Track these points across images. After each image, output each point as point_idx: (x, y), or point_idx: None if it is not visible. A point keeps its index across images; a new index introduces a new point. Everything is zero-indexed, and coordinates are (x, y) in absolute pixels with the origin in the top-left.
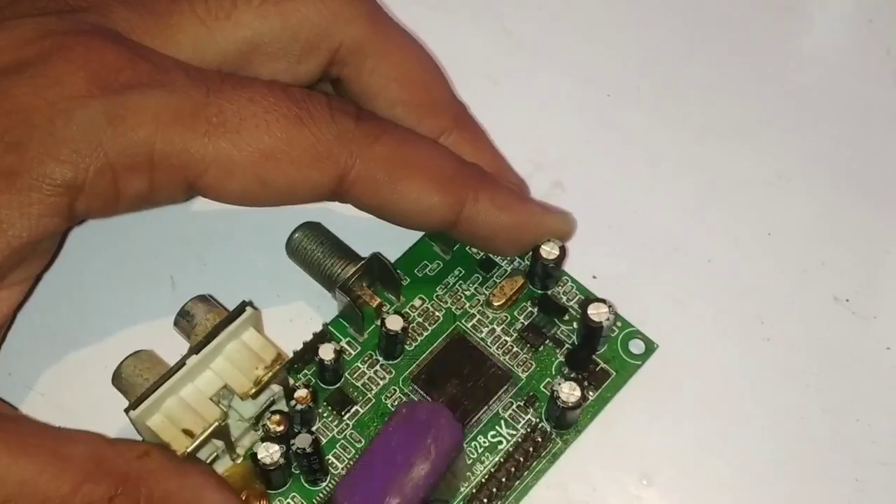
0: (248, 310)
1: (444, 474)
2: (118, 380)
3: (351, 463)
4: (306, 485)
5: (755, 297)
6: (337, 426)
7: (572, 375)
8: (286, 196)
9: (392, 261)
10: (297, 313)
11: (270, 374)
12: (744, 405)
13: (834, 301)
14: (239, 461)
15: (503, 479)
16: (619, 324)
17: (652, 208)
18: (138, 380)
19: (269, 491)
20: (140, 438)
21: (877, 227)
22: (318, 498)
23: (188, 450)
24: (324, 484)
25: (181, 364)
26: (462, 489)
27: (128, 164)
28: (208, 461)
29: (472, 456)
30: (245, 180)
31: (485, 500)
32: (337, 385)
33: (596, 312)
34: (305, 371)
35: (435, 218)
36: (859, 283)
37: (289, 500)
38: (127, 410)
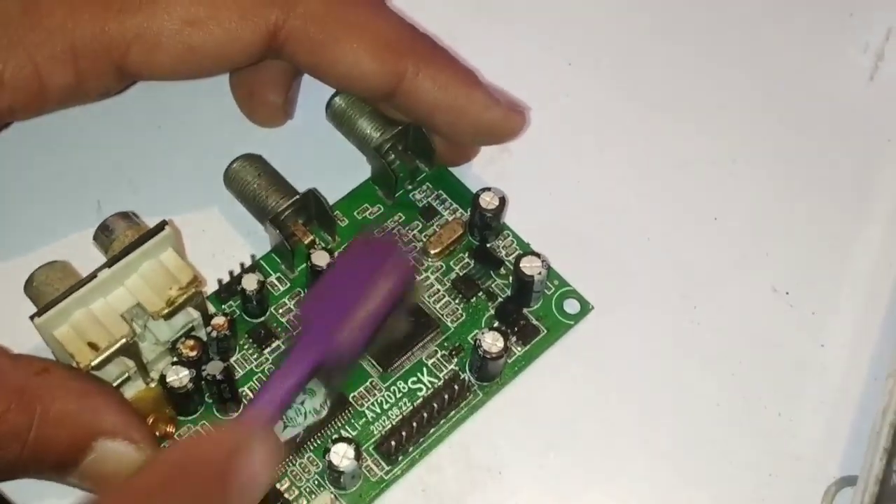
0: (167, 229)
1: (396, 306)
2: (29, 288)
3: None
4: (217, 414)
5: (690, 281)
6: (256, 359)
7: (499, 327)
8: (220, 60)
9: (334, 201)
10: (230, 245)
11: (185, 296)
12: (664, 386)
13: (773, 292)
14: (152, 385)
15: (415, 425)
16: (555, 282)
17: (597, 180)
18: (48, 289)
19: (179, 417)
20: (50, 353)
21: (826, 223)
22: None
23: (92, 363)
24: (235, 415)
25: (92, 276)
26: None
27: (48, 55)
28: (118, 381)
29: (389, 401)
30: (173, 51)
31: (393, 444)
32: (261, 319)
33: (529, 266)
34: (231, 302)
35: (370, 85)
36: (801, 277)
37: (198, 427)
38: (33, 317)
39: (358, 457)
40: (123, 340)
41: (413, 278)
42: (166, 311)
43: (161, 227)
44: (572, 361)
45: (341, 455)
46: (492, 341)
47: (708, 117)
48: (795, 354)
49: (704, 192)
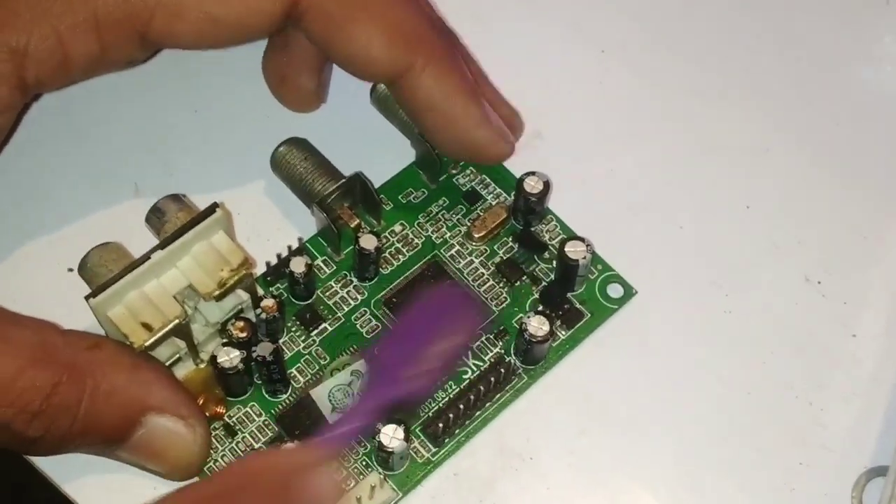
0: (219, 211)
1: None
2: (84, 269)
3: (311, 379)
4: (266, 395)
5: (722, 269)
6: (304, 341)
7: (544, 311)
8: (240, 30)
9: (378, 185)
10: (276, 229)
11: (236, 277)
12: (695, 374)
13: (805, 281)
14: (202, 366)
15: (461, 407)
16: (599, 266)
17: (629, 168)
18: (102, 270)
19: (228, 398)
20: (103, 333)
21: (859, 213)
22: (276, 410)
23: (146, 343)
24: (283, 396)
25: (146, 258)
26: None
27: (71, 25)
28: (170, 362)
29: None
30: (195, 20)
31: (440, 426)
32: (308, 301)
33: (573, 250)
34: (279, 285)
35: (375, 71)
36: (834, 267)
37: (247, 409)
38: (88, 298)
39: (407, 437)
40: (176, 321)
41: (476, 330)
42: (217, 292)
43: (212, 209)
44: (608, 348)
45: (391, 436)
46: (538, 325)
47: (741, 105)
48: (827, 344)
49: (737, 181)
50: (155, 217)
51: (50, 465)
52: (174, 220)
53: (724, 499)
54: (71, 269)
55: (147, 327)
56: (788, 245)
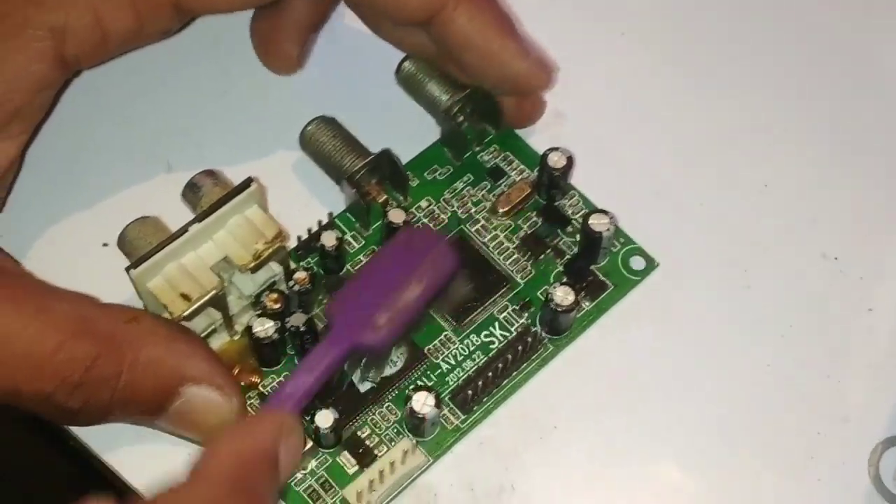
0: (253, 185)
1: (434, 299)
2: (123, 242)
3: None
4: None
5: (741, 245)
6: None
7: (568, 282)
8: None
9: (405, 162)
10: (305, 205)
11: (270, 249)
12: (715, 348)
13: (822, 258)
14: (236, 338)
15: (490, 376)
16: (621, 239)
17: (650, 148)
18: (141, 243)
19: (263, 368)
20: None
21: (874, 190)
22: None
23: (184, 313)
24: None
25: (183, 231)
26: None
27: (107, 1)
28: (205, 333)
29: (463, 353)
30: None
31: (469, 394)
32: (339, 274)
33: (597, 222)
34: (309, 259)
35: (409, 11)
36: (850, 243)
37: (281, 378)
38: (128, 269)
39: (438, 404)
40: (214, 292)
41: (454, 268)
42: (253, 264)
43: (247, 183)
44: (630, 321)
45: (422, 402)
46: (563, 294)
47: (760, 86)
48: (843, 318)
49: (755, 159)
50: (191, 192)
51: (89, 435)
52: (210, 194)
53: (744, 469)
54: (106, 244)
55: (185, 298)
56: (805, 222)
